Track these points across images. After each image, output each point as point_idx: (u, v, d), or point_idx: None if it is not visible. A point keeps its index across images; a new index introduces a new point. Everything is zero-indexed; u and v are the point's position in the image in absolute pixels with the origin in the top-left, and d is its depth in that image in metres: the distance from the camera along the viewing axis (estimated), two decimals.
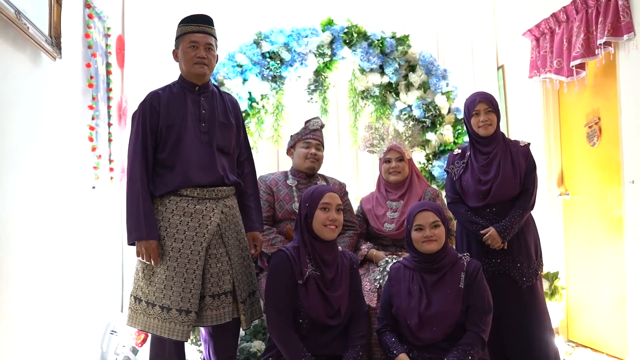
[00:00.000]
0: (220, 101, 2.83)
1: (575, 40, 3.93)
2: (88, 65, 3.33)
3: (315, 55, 4.40)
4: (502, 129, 3.35)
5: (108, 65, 3.76)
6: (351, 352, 2.55)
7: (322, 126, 3.60)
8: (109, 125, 3.75)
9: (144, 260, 2.60)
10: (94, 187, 3.42)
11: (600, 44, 3.64)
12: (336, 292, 2.62)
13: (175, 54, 2.78)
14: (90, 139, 3.36)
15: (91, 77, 3.36)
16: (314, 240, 2.63)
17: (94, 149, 3.39)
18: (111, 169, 3.74)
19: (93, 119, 3.39)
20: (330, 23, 4.47)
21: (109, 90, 3.75)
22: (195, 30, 2.69)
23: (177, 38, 2.75)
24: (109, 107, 3.75)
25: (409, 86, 4.52)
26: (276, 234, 3.37)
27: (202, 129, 2.71)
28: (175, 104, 2.70)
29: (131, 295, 2.72)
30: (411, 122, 4.33)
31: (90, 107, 3.37)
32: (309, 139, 3.50)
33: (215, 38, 2.77)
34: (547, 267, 4.00)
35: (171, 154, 2.67)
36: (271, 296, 2.58)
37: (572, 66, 3.96)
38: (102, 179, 3.53)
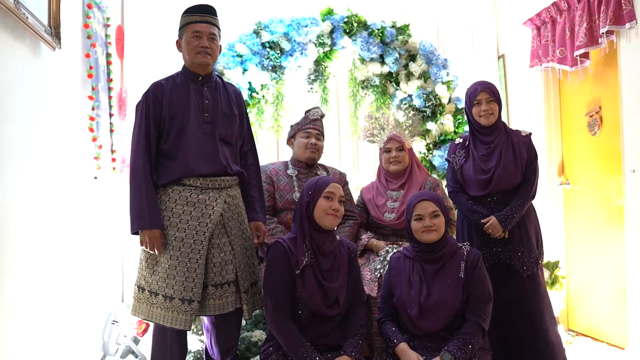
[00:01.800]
0: (223, 91, 2.83)
1: (578, 29, 3.91)
2: (87, 56, 3.32)
3: (315, 45, 4.38)
4: (503, 118, 3.34)
5: (108, 55, 3.75)
6: (351, 342, 2.55)
7: (322, 116, 3.60)
8: (110, 115, 3.74)
9: (148, 250, 2.60)
10: (95, 178, 3.41)
11: (602, 33, 3.63)
12: (334, 282, 2.62)
13: (178, 44, 2.78)
14: (91, 130, 3.36)
15: (90, 67, 3.35)
16: (314, 230, 2.62)
17: (94, 139, 3.38)
18: (113, 159, 3.73)
19: (93, 109, 3.38)
20: (330, 12, 4.45)
21: (109, 80, 3.74)
22: (199, 20, 2.68)
23: (180, 28, 2.75)
24: (109, 97, 3.74)
25: (409, 76, 4.51)
26: (277, 223, 3.37)
27: (205, 119, 2.71)
28: (178, 94, 2.70)
29: (135, 284, 2.73)
30: (411, 112, 4.32)
31: (90, 98, 3.36)
32: (309, 129, 3.49)
33: (219, 28, 2.77)
34: (548, 256, 4.01)
35: (174, 144, 2.67)
36: (269, 289, 2.59)
37: (576, 55, 3.95)
38: (104, 170, 3.53)
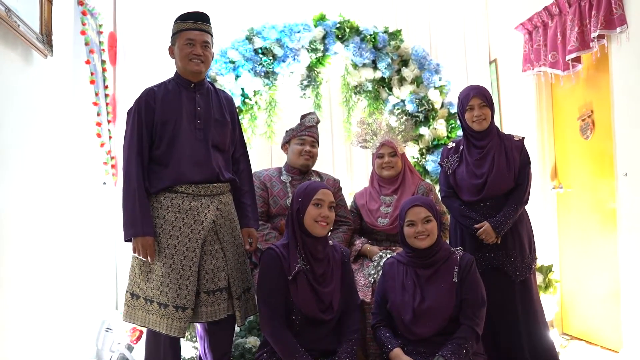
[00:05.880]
0: (215, 98, 2.82)
1: (570, 33, 3.93)
2: (87, 62, 3.32)
3: (308, 51, 4.39)
4: (496, 123, 3.35)
5: (102, 62, 3.74)
6: (345, 347, 2.55)
7: (318, 122, 3.60)
8: (108, 122, 3.73)
9: (140, 257, 2.59)
10: (104, 183, 3.40)
11: (594, 37, 3.65)
12: (327, 287, 2.61)
13: (171, 50, 2.77)
14: (99, 135, 3.34)
15: (92, 74, 3.35)
16: (306, 236, 2.62)
17: (102, 145, 3.37)
18: (113, 166, 3.72)
19: (98, 115, 3.37)
20: (322, 18, 4.47)
21: (105, 87, 3.73)
22: (192, 28, 2.68)
23: (173, 35, 2.74)
24: (106, 104, 3.74)
25: (401, 81, 4.53)
26: (271, 229, 3.37)
27: (197, 126, 2.70)
28: (170, 101, 2.70)
29: (127, 291, 2.71)
30: (404, 117, 4.33)
31: (95, 104, 3.35)
32: (304, 135, 3.49)
33: (212, 36, 2.76)
34: (541, 260, 4.02)
35: (166, 150, 2.66)
36: (262, 295, 2.58)
37: (568, 60, 3.96)
38: (101, 176, 3.52)
